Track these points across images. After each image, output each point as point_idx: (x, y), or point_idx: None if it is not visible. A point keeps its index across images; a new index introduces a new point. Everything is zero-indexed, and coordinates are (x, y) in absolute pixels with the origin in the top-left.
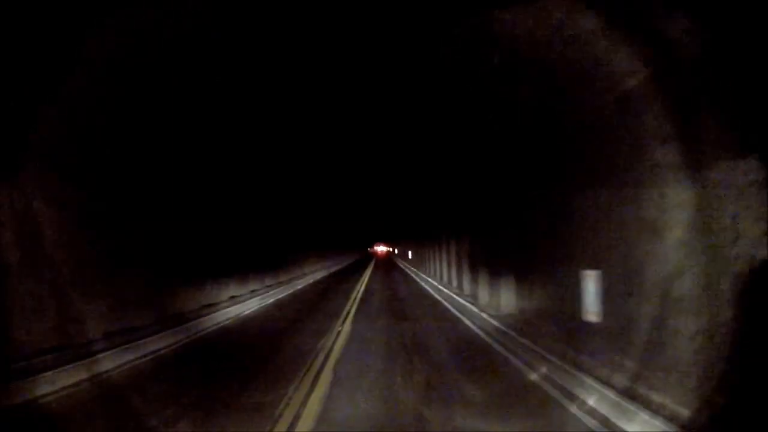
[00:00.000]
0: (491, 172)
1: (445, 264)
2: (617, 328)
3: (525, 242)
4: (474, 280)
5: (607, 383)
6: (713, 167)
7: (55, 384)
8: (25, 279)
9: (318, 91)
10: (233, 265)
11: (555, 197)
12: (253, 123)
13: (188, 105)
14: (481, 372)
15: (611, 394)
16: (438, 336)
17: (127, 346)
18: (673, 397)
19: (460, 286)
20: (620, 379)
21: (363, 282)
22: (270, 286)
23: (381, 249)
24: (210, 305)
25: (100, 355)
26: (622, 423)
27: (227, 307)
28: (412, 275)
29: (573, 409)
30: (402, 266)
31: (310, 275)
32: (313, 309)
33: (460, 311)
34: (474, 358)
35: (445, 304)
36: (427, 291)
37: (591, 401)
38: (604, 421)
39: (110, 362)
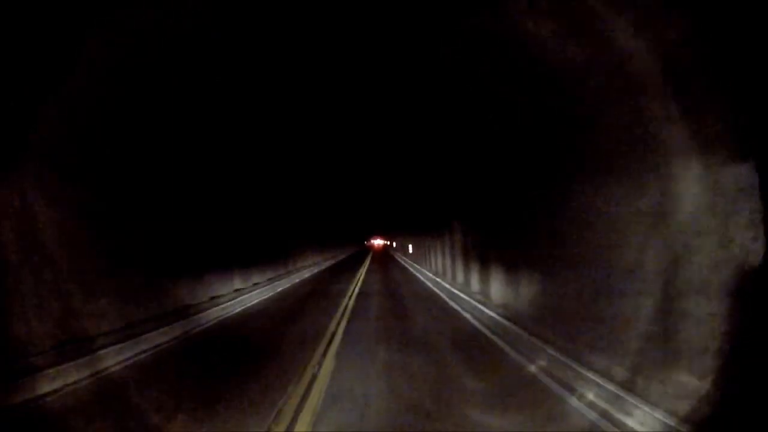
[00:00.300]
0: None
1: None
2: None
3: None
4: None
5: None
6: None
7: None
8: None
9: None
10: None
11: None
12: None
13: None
14: None
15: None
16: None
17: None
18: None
19: (484, 291)
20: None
21: (359, 279)
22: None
23: (378, 242)
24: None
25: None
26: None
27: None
28: (420, 277)
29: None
30: (403, 263)
31: (303, 270)
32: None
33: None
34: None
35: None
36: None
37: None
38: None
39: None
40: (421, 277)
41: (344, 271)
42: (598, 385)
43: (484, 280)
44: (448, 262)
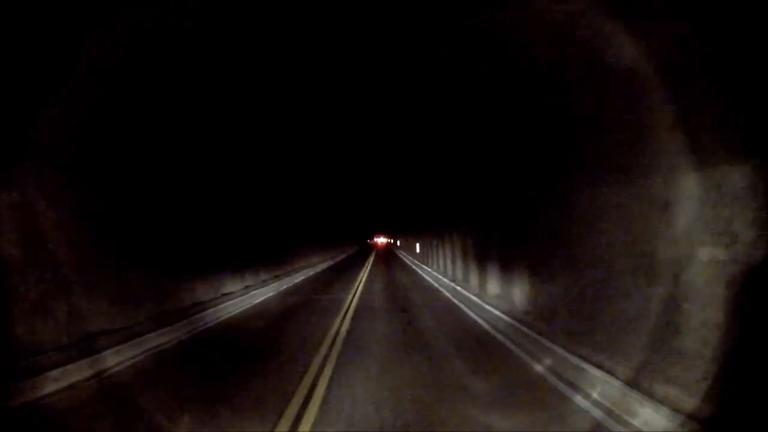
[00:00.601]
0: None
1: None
2: None
3: None
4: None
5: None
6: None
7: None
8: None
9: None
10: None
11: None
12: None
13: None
14: None
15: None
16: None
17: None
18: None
19: (508, 295)
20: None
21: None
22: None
23: (381, 240)
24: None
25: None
26: None
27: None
28: (430, 280)
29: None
30: (409, 263)
31: (304, 270)
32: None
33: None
34: None
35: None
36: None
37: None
38: None
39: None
40: (430, 279)
41: (344, 271)
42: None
43: (507, 282)
44: (459, 263)
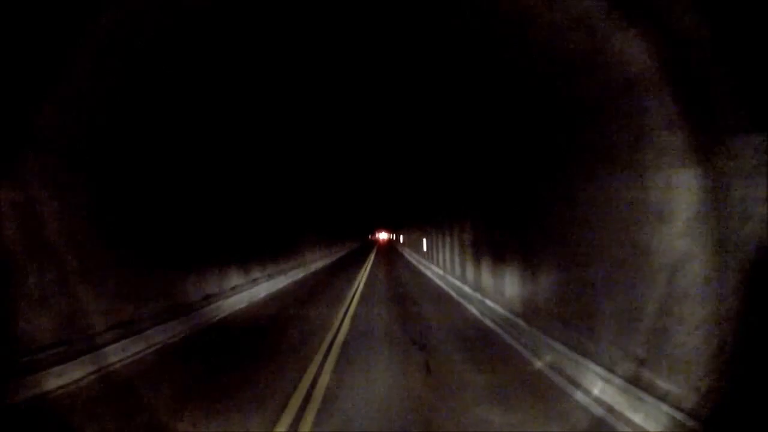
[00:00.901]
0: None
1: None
2: None
3: None
4: None
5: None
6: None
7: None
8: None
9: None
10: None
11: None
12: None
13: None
14: None
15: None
16: None
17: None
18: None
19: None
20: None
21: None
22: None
23: (382, 236)
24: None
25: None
26: None
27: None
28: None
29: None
30: (414, 261)
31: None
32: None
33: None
34: None
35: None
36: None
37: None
38: None
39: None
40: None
41: (339, 273)
42: None
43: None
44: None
